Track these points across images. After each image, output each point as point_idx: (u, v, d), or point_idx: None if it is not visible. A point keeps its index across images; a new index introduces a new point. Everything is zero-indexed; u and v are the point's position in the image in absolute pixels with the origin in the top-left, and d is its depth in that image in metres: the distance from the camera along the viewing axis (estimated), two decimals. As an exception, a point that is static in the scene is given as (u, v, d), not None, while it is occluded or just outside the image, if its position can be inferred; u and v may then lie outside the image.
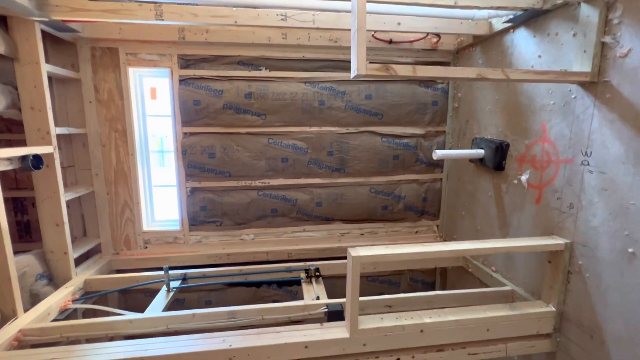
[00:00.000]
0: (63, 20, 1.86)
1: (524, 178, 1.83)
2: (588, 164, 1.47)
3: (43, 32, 1.87)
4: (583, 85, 1.48)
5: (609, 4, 1.37)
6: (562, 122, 1.60)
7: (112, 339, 1.74)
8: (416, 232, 2.80)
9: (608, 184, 1.38)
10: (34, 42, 1.79)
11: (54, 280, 2.02)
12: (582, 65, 1.44)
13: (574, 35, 1.52)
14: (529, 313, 1.61)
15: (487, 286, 2.14)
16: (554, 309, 1.62)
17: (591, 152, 1.46)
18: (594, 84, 1.43)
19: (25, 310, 1.69)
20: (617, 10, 1.34)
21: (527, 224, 1.84)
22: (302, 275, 2.20)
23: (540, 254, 1.74)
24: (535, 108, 1.76)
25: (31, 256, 1.91)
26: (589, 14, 1.41)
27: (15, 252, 1.66)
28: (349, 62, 1.31)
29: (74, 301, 1.92)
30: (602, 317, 1.43)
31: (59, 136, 2.01)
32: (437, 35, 2.37)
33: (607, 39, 1.37)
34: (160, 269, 2.07)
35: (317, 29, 2.05)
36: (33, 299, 1.85)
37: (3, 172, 1.59)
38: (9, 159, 1.67)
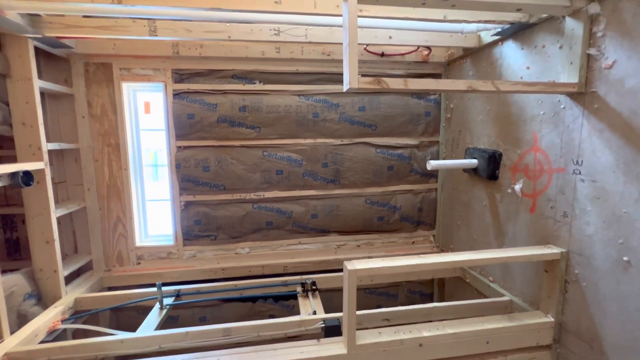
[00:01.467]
0: (57, 37, 1.86)
1: (517, 187, 1.84)
2: (580, 172, 1.49)
3: (36, 48, 1.87)
4: (571, 95, 1.51)
5: (592, 18, 1.41)
6: (553, 132, 1.62)
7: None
8: (413, 242, 2.79)
9: (600, 192, 1.40)
10: (27, 58, 1.78)
11: (43, 300, 1.96)
12: (569, 76, 1.48)
13: (560, 47, 1.56)
14: (528, 324, 1.60)
15: (485, 297, 2.12)
16: (552, 319, 1.61)
17: (582, 161, 1.48)
18: (582, 94, 1.46)
19: (12, 332, 1.63)
20: (601, 23, 1.38)
21: (523, 233, 1.84)
22: (299, 289, 2.17)
23: (537, 264, 1.74)
24: (526, 118, 1.79)
25: (19, 275, 1.86)
26: (574, 27, 1.45)
27: (3, 271, 1.62)
28: (342, 74, 1.33)
29: (63, 321, 1.86)
30: (600, 327, 1.42)
31: (50, 152, 1.98)
32: (428, 48, 2.42)
33: (592, 51, 1.41)
34: (154, 285, 2.03)
35: (310, 43, 2.08)
36: (21, 320, 1.79)
37: (-8, 189, 1.56)
38: (-1, 176, 1.64)
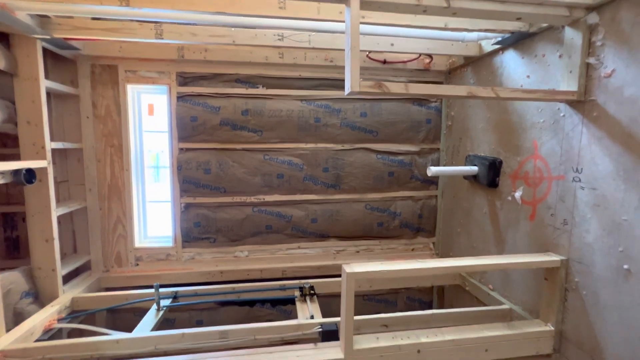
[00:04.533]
0: (64, 38, 1.90)
1: (517, 195, 1.84)
2: (579, 180, 1.49)
3: (44, 49, 1.90)
4: (571, 103, 1.52)
5: (591, 27, 1.43)
6: (553, 140, 1.63)
7: (97, 360, 1.66)
8: (412, 249, 2.78)
9: (600, 199, 1.40)
10: (35, 58, 1.82)
11: (40, 298, 1.95)
12: (568, 84, 1.49)
13: (560, 56, 1.58)
14: (528, 332, 1.58)
15: (484, 305, 2.10)
16: (552, 328, 1.59)
17: (582, 169, 1.48)
18: (581, 102, 1.47)
19: (8, 330, 1.63)
20: (599, 33, 1.39)
21: (523, 241, 1.84)
22: (297, 293, 2.15)
23: (537, 272, 1.72)
24: (526, 126, 1.80)
25: (17, 273, 1.85)
26: (573, 36, 1.47)
27: (1, 269, 1.62)
28: (344, 80, 1.35)
29: (59, 320, 1.85)
30: (601, 337, 1.40)
31: (54, 151, 2.00)
32: (430, 56, 2.45)
33: (592, 60, 1.42)
34: (151, 287, 2.02)
35: (313, 48, 2.11)
36: (17, 318, 1.78)
37: (-6, 186, 1.57)
38: (2, 173, 1.65)
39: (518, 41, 1.85)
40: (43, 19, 1.77)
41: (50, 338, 1.80)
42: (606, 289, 1.38)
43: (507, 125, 1.94)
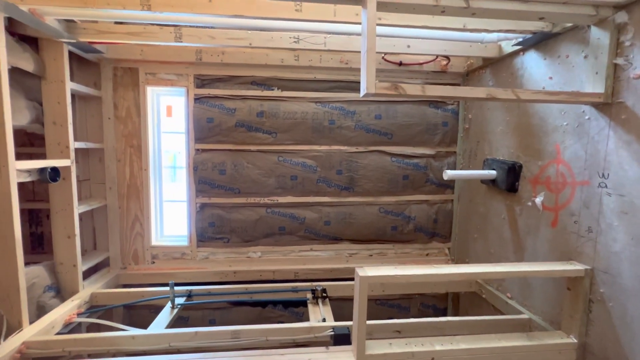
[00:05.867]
0: (89, 42, 1.97)
1: (538, 200, 1.78)
2: (606, 186, 1.42)
3: (70, 52, 1.98)
4: (597, 106, 1.46)
5: (619, 27, 1.37)
6: (577, 144, 1.57)
7: (114, 355, 1.70)
8: (427, 254, 2.72)
9: (628, 207, 1.33)
10: (61, 62, 1.89)
11: (61, 293, 2.02)
12: (594, 86, 1.43)
13: (585, 57, 1.52)
14: (549, 344, 1.51)
15: (501, 313, 2.04)
16: (575, 340, 1.52)
17: (608, 174, 1.41)
18: (608, 105, 1.41)
19: (31, 322, 1.69)
20: (629, 32, 1.33)
21: (543, 248, 1.77)
22: (309, 295, 2.14)
23: (558, 281, 1.66)
24: (548, 129, 1.74)
25: (41, 267, 1.93)
26: (600, 36, 1.42)
27: (26, 263, 1.68)
28: (359, 83, 1.34)
29: (79, 315, 1.91)
30: (629, 351, 1.33)
31: (77, 150, 2.08)
32: (447, 57, 2.41)
33: (620, 61, 1.36)
34: (166, 284, 2.06)
35: (329, 51, 2.11)
36: (39, 311, 1.85)
37: (22, 183, 1.64)
38: (28, 171, 1.73)
39: (540, 42, 1.79)
40: (69, 24, 1.84)
41: (70, 331, 1.85)
42: (635, 301, 1.31)
43: (528, 128, 1.88)
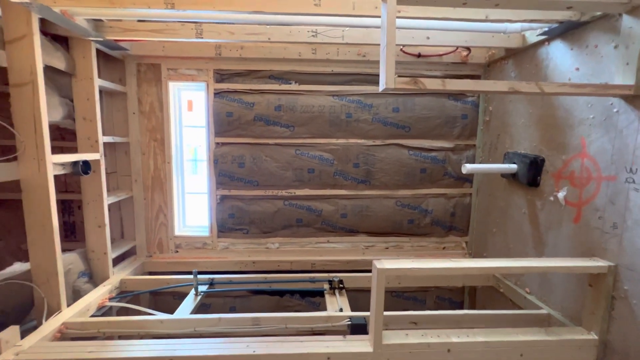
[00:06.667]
0: (115, 40, 2.04)
1: (561, 195, 1.74)
2: (633, 181, 1.38)
3: (97, 50, 2.06)
4: (626, 98, 1.41)
5: (654, 15, 1.31)
6: (604, 137, 1.52)
7: (142, 337, 1.81)
8: (444, 247, 2.72)
9: (657, 203, 1.29)
10: (90, 59, 1.98)
11: (94, 278, 2.16)
12: (624, 78, 1.38)
13: (615, 47, 1.46)
14: (568, 339, 1.51)
15: (520, 308, 2.02)
16: (596, 337, 1.50)
17: (637, 169, 1.37)
18: (639, 97, 1.36)
19: (68, 305, 1.82)
20: (664, 21, 1.27)
21: (565, 244, 1.74)
22: (326, 286, 2.19)
23: (580, 277, 1.63)
24: (573, 122, 1.69)
25: (75, 254, 2.06)
26: (632, 25, 1.36)
27: (62, 251, 1.80)
28: (377, 75, 1.34)
29: (110, 299, 2.03)
30: (652, 349, 1.31)
31: (105, 144, 2.18)
32: (467, 48, 2.35)
33: (653, 51, 1.30)
34: (189, 272, 2.15)
35: (346, 44, 2.10)
36: (75, 295, 1.98)
37: (56, 176, 1.74)
38: (62, 165, 1.83)
39: (567, 31, 1.73)
40: (97, 23, 1.91)
41: (102, 315, 1.98)
42: (660, 299, 1.28)
43: (552, 121, 1.83)
